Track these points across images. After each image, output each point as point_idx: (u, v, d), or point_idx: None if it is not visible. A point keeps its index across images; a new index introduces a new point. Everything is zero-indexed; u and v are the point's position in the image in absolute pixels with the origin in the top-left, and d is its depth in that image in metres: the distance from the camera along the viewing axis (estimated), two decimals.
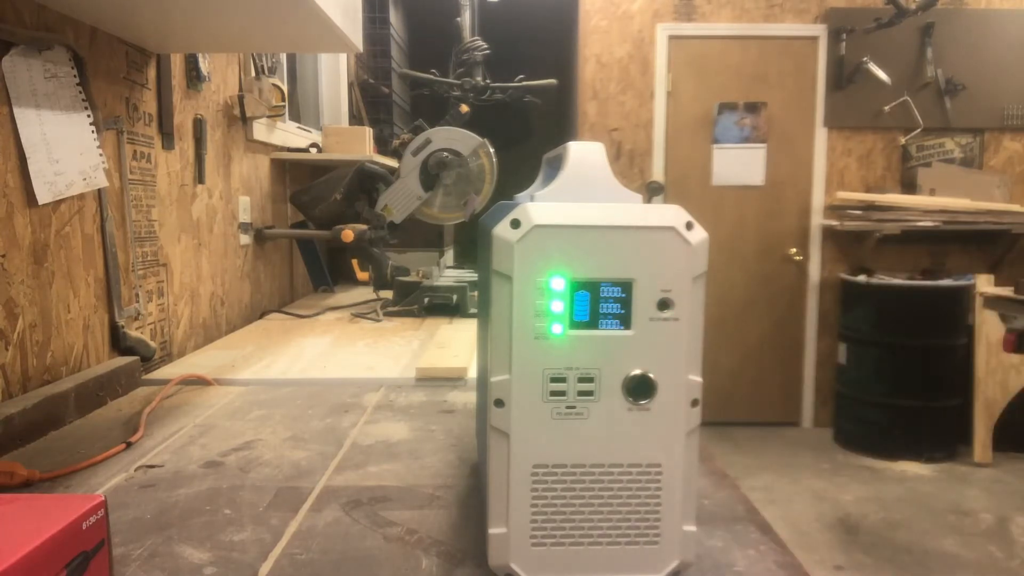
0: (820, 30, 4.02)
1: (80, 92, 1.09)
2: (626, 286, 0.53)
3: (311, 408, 1.06)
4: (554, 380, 0.54)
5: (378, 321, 1.75)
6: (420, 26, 3.90)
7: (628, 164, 4.13)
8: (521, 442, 0.54)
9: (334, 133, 2.37)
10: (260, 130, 1.93)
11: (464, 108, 2.08)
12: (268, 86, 1.85)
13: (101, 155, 1.13)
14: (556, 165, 0.61)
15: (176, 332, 1.45)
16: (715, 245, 4.09)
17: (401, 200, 1.81)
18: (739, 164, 4.12)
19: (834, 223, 4.05)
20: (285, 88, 2.10)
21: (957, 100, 4.04)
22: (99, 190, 1.16)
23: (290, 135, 2.24)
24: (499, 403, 0.54)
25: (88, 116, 1.11)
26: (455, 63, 2.24)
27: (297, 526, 0.67)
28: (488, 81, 2.19)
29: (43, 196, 1.01)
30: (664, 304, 0.54)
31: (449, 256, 2.82)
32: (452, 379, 1.20)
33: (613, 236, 0.53)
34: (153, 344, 1.32)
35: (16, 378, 0.96)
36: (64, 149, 1.05)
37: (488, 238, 0.55)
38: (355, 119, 3.18)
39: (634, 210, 0.53)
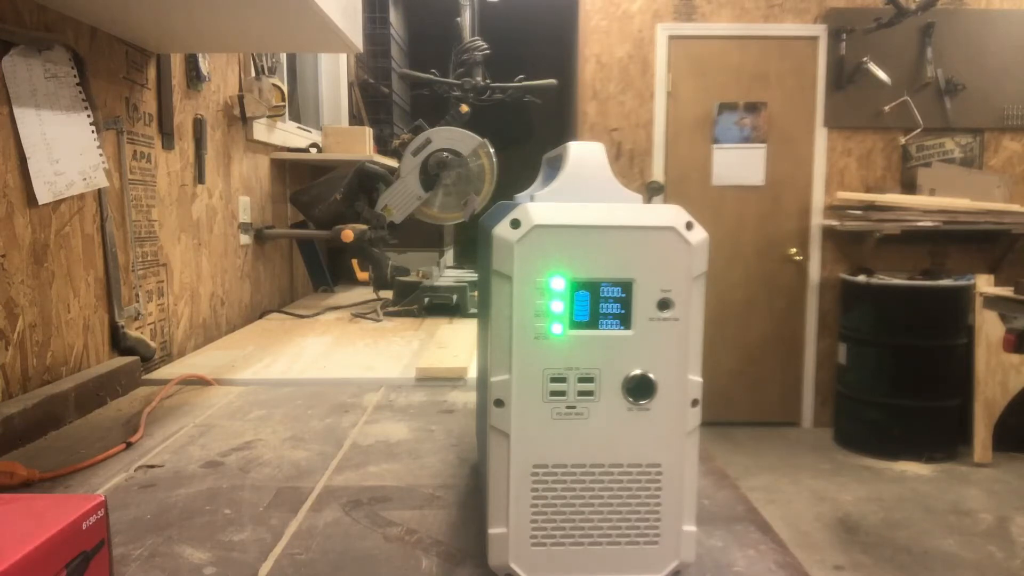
0: (820, 30, 4.02)
1: (80, 92, 1.09)
2: (626, 286, 0.53)
3: (311, 408, 1.06)
4: (554, 380, 0.54)
5: (378, 321, 1.75)
6: (420, 26, 3.90)
7: (628, 164, 4.13)
8: (521, 442, 0.54)
9: (334, 133, 2.37)
10: (260, 130, 1.93)
11: (464, 108, 2.08)
12: (268, 86, 1.85)
13: (101, 155, 1.13)
14: (556, 165, 0.61)
15: (176, 332, 1.45)
16: (715, 245, 4.10)
17: (401, 200, 1.81)
18: (739, 164, 4.12)
19: (834, 223, 4.05)
20: (285, 88, 2.10)
21: (957, 100, 4.04)
22: (99, 190, 1.16)
23: (290, 135, 2.24)
24: (499, 403, 0.54)
25: (88, 116, 1.11)
26: (455, 63, 2.24)
27: (297, 526, 0.67)
28: (488, 81, 2.19)
29: (43, 196, 1.01)
30: (664, 304, 0.54)
31: (449, 256, 2.82)
32: (452, 379, 1.20)
33: (613, 236, 0.53)
34: (153, 344, 1.32)
35: (16, 378, 0.96)
36: (64, 149, 1.05)
37: (488, 238, 0.55)
38: (355, 119, 3.18)
39: (634, 210, 0.53)
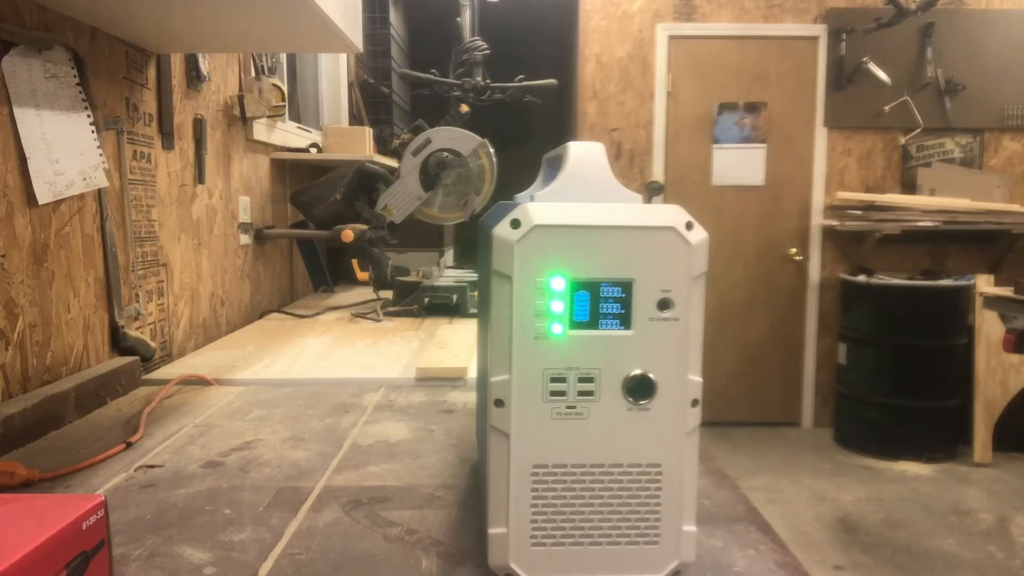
0: (820, 30, 4.02)
1: (80, 92, 1.09)
2: (626, 286, 0.53)
3: (311, 408, 1.06)
4: (554, 380, 0.54)
5: (378, 321, 1.75)
6: (420, 26, 3.90)
7: (628, 164, 4.13)
8: (521, 442, 0.54)
9: (334, 133, 2.37)
10: (260, 130, 1.93)
11: (464, 108, 2.08)
12: (268, 86, 1.85)
13: (101, 155, 1.13)
14: (556, 165, 0.61)
15: (176, 332, 1.45)
16: (715, 245, 4.10)
17: (401, 200, 1.81)
18: (739, 164, 4.12)
19: (834, 223, 4.05)
20: (285, 88, 2.10)
21: (957, 100, 4.04)
22: (99, 190, 1.16)
23: (290, 135, 2.24)
24: (499, 403, 0.54)
25: (88, 116, 1.11)
26: (455, 63, 2.24)
27: (297, 526, 0.67)
28: (488, 81, 2.19)
29: (43, 196, 1.01)
30: (664, 304, 0.54)
31: (449, 256, 2.82)
32: (452, 379, 1.20)
33: (613, 236, 0.53)
34: (153, 344, 1.32)
35: (16, 378, 0.96)
36: (64, 149, 1.05)
37: (488, 238, 0.55)
38: (355, 119, 3.18)
39: (634, 210, 0.53)
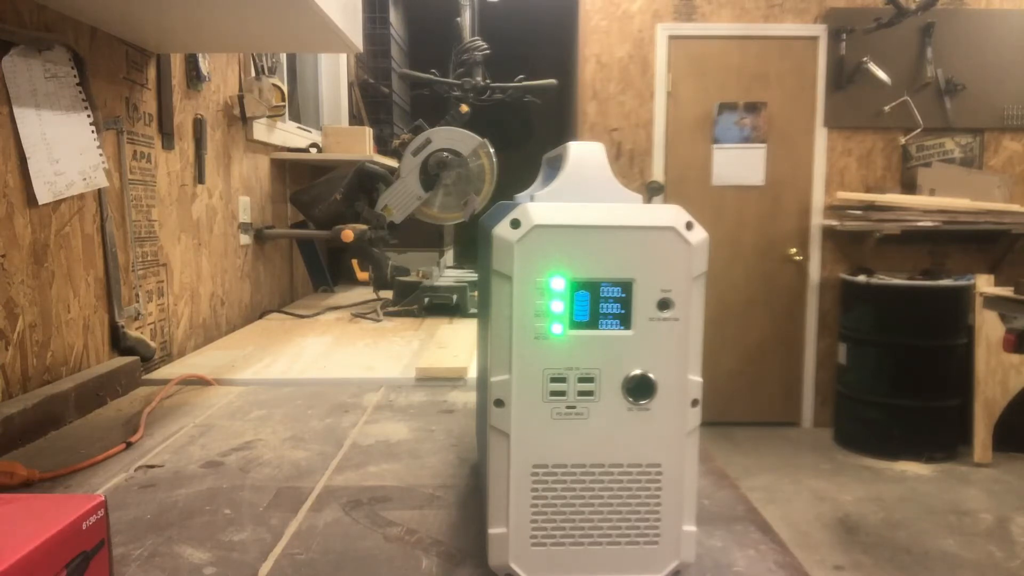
0: (820, 30, 4.02)
1: (80, 92, 1.09)
2: (626, 286, 0.53)
3: (311, 408, 1.06)
4: (554, 380, 0.54)
5: (378, 321, 1.75)
6: (420, 26, 3.90)
7: (628, 164, 4.13)
8: (521, 442, 0.54)
9: (334, 133, 2.37)
10: (260, 130, 1.93)
11: (464, 108, 2.08)
12: (268, 86, 1.85)
13: (101, 155, 1.13)
14: (556, 165, 0.61)
15: (176, 332, 1.45)
16: (715, 245, 4.09)
17: (401, 200, 1.81)
18: (739, 164, 4.12)
19: (834, 223, 4.05)
20: (285, 88, 2.10)
21: (957, 100, 4.04)
22: (99, 190, 1.16)
23: (290, 135, 2.24)
24: (499, 403, 0.54)
25: (88, 116, 1.11)
26: (455, 63, 2.24)
27: (297, 526, 0.67)
28: (488, 81, 2.19)
29: (43, 196, 1.01)
30: (664, 304, 0.54)
31: (449, 256, 2.82)
32: (452, 379, 1.20)
33: (613, 236, 0.53)
34: (153, 344, 1.32)
35: (16, 378, 0.96)
36: (64, 149, 1.05)
37: (488, 238, 0.55)
38: (355, 119, 3.18)
39: (634, 210, 0.53)
